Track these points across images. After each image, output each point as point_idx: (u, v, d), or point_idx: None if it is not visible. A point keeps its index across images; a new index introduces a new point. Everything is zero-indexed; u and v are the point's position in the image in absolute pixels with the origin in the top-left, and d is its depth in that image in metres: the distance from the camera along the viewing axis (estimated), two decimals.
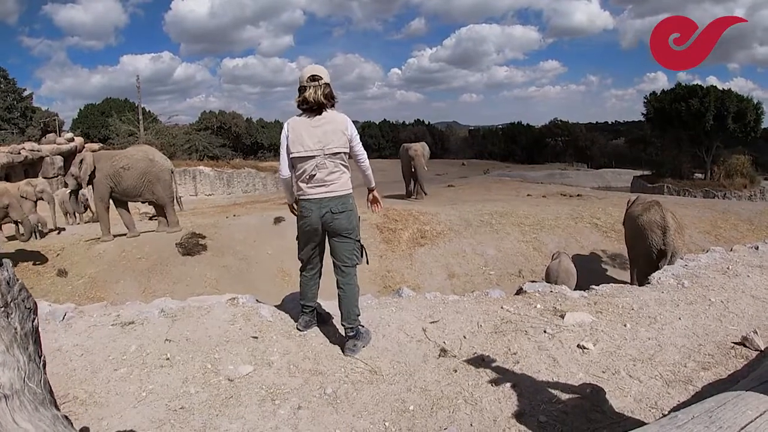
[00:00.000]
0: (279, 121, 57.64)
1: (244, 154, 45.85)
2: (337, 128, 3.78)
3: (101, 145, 33.28)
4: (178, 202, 13.34)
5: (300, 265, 4.22)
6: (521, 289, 5.26)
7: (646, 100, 33.42)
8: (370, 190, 4.32)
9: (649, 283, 5.48)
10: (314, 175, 3.78)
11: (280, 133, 3.96)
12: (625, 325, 4.13)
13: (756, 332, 3.79)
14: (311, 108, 3.77)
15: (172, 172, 13.18)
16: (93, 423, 2.97)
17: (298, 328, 4.23)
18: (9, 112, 39.92)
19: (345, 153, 3.85)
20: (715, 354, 3.67)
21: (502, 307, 4.58)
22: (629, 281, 10.17)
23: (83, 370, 3.59)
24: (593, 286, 5.20)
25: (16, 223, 12.24)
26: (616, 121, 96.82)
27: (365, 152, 4.02)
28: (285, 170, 3.92)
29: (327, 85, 3.78)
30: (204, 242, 12.45)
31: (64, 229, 14.77)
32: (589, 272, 10.60)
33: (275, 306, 4.80)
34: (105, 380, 3.44)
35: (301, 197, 3.90)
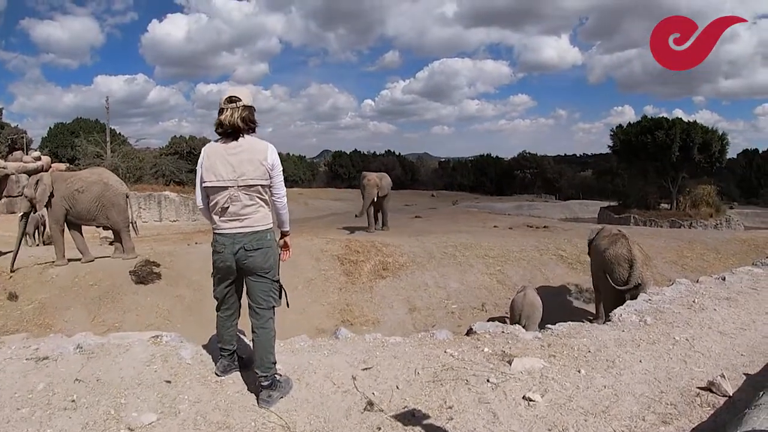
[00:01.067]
0: None
1: None
2: (254, 157, 3.42)
3: (68, 165, 32.29)
4: (134, 227, 12.78)
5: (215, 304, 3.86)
6: (471, 329, 4.85)
7: (612, 133, 33.82)
8: (283, 234, 3.94)
9: (610, 320, 5.14)
10: (227, 207, 3.45)
11: None
12: (579, 371, 3.74)
13: (723, 376, 3.47)
14: (227, 132, 3.42)
15: (128, 197, 12.61)
16: None
17: (216, 373, 3.84)
18: None
19: (263, 186, 3.49)
20: (678, 403, 3.31)
21: (445, 352, 4.17)
22: (595, 313, 9.90)
23: None
24: (549, 326, 4.85)
25: None
26: (584, 153, 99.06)
27: (284, 189, 3.67)
28: (199, 200, 3.60)
29: (247, 107, 3.44)
30: (158, 270, 11.85)
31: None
32: (555, 305, 10.25)
33: (202, 345, 4.48)
34: (5, 420, 3.27)
35: (215, 231, 3.59)
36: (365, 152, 64.23)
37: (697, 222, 25.69)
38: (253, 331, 3.65)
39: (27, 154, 33.51)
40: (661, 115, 32.41)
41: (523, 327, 8.01)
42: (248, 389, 3.64)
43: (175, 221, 29.49)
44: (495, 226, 18.95)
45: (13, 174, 30.59)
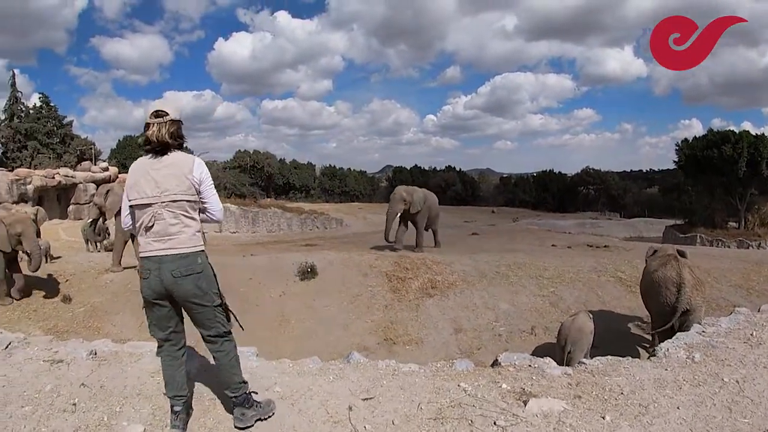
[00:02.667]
0: (311, 163, 58.16)
1: (276, 194, 46.02)
2: (178, 171, 3.17)
3: None
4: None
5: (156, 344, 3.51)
6: (496, 360, 4.50)
7: (678, 148, 32.55)
8: None
9: (654, 355, 4.67)
10: (151, 226, 3.16)
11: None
12: (603, 417, 3.32)
13: None
14: (154, 149, 3.19)
15: None
16: None
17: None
18: (48, 137, 41.11)
19: (190, 201, 3.20)
20: None
21: (459, 385, 3.83)
22: (651, 340, 9.30)
23: None
24: (584, 360, 4.45)
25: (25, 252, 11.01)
26: (650, 169, 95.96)
27: (219, 204, 3.41)
28: (126, 220, 3.36)
29: (174, 122, 3.23)
30: None
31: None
32: (608, 331, 9.64)
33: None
34: (8, 415, 3.44)
35: (141, 254, 3.28)
36: (426, 168, 64.11)
37: (767, 242, 24.20)
38: (213, 357, 3.42)
39: (95, 165, 35.14)
40: (728, 128, 31.16)
41: (569, 353, 7.66)
42: None
43: (234, 233, 30.08)
44: (553, 245, 18.38)
45: (81, 183, 32.09)
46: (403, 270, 13.11)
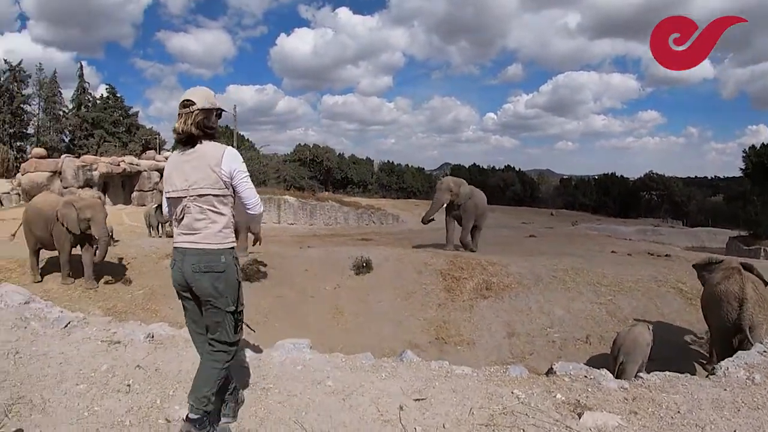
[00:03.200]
0: (370, 158, 58.44)
1: (334, 188, 46.49)
2: (206, 164, 3.06)
3: None
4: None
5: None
6: (551, 368, 4.44)
7: (745, 154, 31.15)
8: (254, 233, 3.73)
9: (713, 373, 4.54)
10: (181, 219, 3.12)
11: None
12: None
13: None
14: (181, 140, 3.13)
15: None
16: (30, 428, 3.09)
17: None
18: (114, 126, 42.91)
19: (217, 196, 3.08)
20: None
21: (512, 392, 3.80)
22: (709, 356, 9.04)
23: (52, 378, 3.72)
24: (641, 374, 4.35)
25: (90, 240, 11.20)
26: (715, 176, 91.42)
27: (255, 196, 3.23)
28: (166, 210, 3.34)
29: (202, 111, 3.11)
30: (265, 270, 12.47)
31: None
32: (665, 344, 9.32)
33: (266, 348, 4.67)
34: (63, 392, 3.53)
35: (173, 244, 3.25)
36: (484, 166, 63.47)
37: None
38: (202, 360, 3.22)
39: (159, 154, 36.49)
40: None
41: (620, 364, 7.49)
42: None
43: (292, 224, 30.63)
44: (613, 252, 17.90)
45: (145, 171, 33.35)
46: (458, 269, 13.05)
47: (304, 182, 39.77)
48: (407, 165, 64.38)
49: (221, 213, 3.11)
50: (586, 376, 4.22)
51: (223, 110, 3.29)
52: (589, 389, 3.97)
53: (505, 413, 3.47)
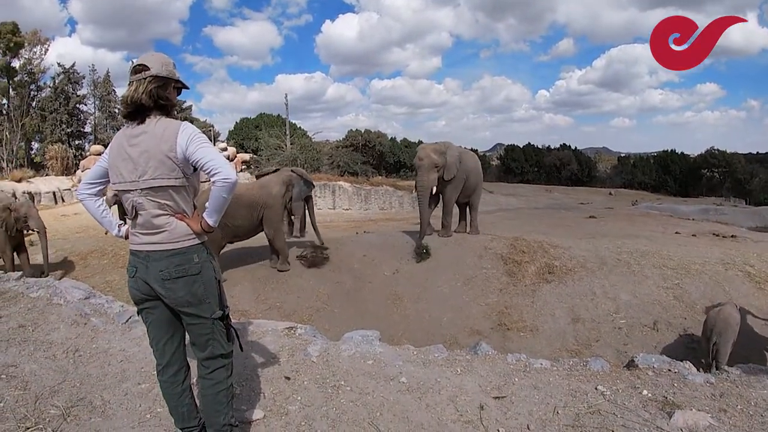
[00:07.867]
0: (422, 141, 58.04)
1: (387, 172, 46.43)
2: (157, 147, 2.44)
3: (252, 155, 35.24)
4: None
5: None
6: (632, 361, 4.16)
7: None
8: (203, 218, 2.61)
9: None
10: (135, 217, 2.54)
11: None
12: None
13: None
14: (130, 113, 2.51)
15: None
16: None
17: None
18: None
19: (176, 187, 2.51)
20: None
21: (596, 388, 3.58)
22: None
23: (113, 377, 3.65)
24: (725, 367, 4.06)
25: None
26: None
27: (225, 168, 2.48)
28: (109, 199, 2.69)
29: (157, 78, 2.51)
30: (327, 254, 12.47)
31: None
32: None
33: (333, 342, 4.48)
34: (124, 392, 3.45)
35: (129, 246, 2.63)
36: (539, 146, 62.03)
37: None
38: (198, 384, 2.76)
39: (214, 145, 37.13)
40: None
41: (714, 344, 7.43)
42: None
43: (347, 210, 30.67)
44: (677, 233, 17.18)
45: None
46: (519, 253, 12.72)
47: (358, 167, 39.78)
48: (459, 146, 63.21)
49: (184, 207, 2.57)
50: (670, 370, 3.95)
51: (185, 86, 2.69)
52: (675, 384, 3.71)
53: (591, 412, 3.27)
